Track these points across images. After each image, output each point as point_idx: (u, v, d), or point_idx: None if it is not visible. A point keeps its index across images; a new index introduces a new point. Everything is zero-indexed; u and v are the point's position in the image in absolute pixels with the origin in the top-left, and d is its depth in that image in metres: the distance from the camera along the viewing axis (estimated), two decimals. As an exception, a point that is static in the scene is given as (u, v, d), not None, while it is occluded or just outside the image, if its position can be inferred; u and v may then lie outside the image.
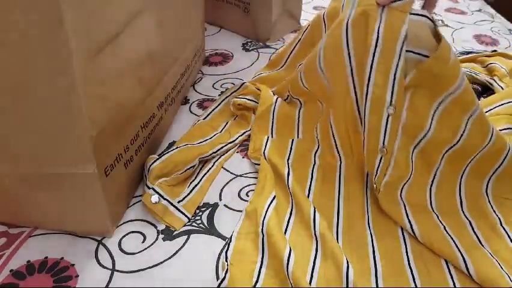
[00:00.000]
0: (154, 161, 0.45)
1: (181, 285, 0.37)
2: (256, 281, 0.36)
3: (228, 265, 0.37)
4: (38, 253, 0.39)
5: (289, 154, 0.50)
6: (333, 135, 0.50)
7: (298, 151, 0.50)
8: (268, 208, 0.41)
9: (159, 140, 0.52)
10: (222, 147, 0.51)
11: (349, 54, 0.44)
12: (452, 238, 0.39)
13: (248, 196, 0.46)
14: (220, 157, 0.51)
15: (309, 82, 0.53)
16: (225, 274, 0.36)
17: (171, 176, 0.45)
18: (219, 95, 0.63)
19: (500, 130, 0.47)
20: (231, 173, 0.49)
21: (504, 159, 0.44)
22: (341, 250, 0.37)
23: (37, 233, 0.41)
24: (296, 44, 0.60)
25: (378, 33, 0.40)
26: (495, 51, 0.69)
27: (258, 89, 0.58)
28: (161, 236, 0.41)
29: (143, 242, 0.40)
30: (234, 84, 0.65)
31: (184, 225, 0.42)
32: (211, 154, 0.49)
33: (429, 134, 0.43)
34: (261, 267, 0.37)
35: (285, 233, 0.41)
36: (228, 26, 0.84)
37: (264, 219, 0.40)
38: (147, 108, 0.46)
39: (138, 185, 0.46)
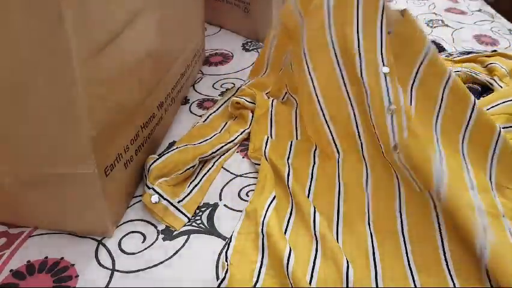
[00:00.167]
0: (154, 161, 0.45)
1: (181, 285, 0.37)
2: (256, 281, 0.36)
3: (228, 265, 0.37)
4: (38, 253, 0.39)
5: (289, 154, 0.50)
6: (331, 132, 0.50)
7: (298, 151, 0.50)
8: (268, 208, 0.41)
9: (159, 140, 0.52)
10: (221, 147, 0.51)
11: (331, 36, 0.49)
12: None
13: (248, 196, 0.46)
14: (220, 157, 0.51)
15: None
16: (225, 274, 0.36)
17: (171, 176, 0.45)
18: (219, 95, 0.63)
19: (502, 128, 0.47)
20: (231, 173, 0.49)
21: (496, 144, 0.45)
22: (341, 250, 0.37)
23: (37, 233, 0.41)
24: (271, 49, 0.62)
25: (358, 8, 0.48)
26: (495, 51, 0.69)
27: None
28: (161, 236, 0.41)
29: (143, 242, 0.40)
30: (234, 84, 0.65)
31: (184, 225, 0.42)
32: (211, 154, 0.49)
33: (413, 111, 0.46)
34: (261, 267, 0.37)
35: (285, 233, 0.41)
36: (228, 26, 0.84)
37: (264, 219, 0.40)
38: (147, 108, 0.46)
39: (138, 185, 0.46)
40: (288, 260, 0.36)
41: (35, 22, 0.28)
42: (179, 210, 0.43)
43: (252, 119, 0.55)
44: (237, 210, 0.44)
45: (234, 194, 0.46)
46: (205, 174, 0.48)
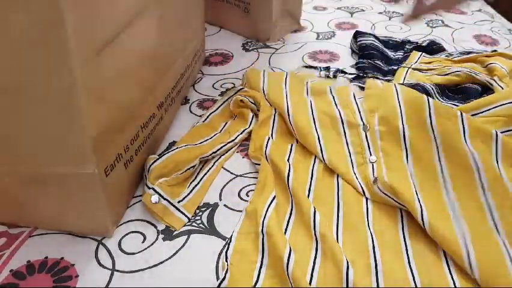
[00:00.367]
0: (154, 161, 0.45)
1: (181, 285, 0.37)
2: (256, 281, 0.36)
3: (228, 265, 0.37)
4: (38, 253, 0.39)
5: (290, 154, 0.50)
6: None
7: (299, 151, 0.50)
8: (268, 208, 0.41)
9: (159, 140, 0.52)
10: (222, 147, 0.51)
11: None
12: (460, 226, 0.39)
13: (248, 196, 0.46)
14: (220, 157, 0.51)
15: None
16: (225, 274, 0.36)
17: (171, 176, 0.45)
18: (219, 95, 0.63)
19: (501, 133, 0.47)
20: (231, 173, 0.49)
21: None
22: (341, 250, 0.37)
23: (37, 233, 0.41)
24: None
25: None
26: (495, 51, 0.69)
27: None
28: (161, 236, 0.41)
29: (143, 242, 0.40)
30: (234, 84, 0.65)
31: (184, 225, 0.42)
32: (211, 154, 0.49)
33: None
34: (261, 267, 0.37)
35: (285, 233, 0.41)
36: (228, 26, 0.85)
37: (264, 219, 0.40)
38: (147, 108, 0.46)
39: (138, 185, 0.46)
40: (288, 260, 0.36)
41: (34, 22, 0.28)
42: (179, 210, 0.43)
43: (252, 119, 0.55)
44: (237, 210, 0.44)
45: (234, 194, 0.46)
46: (205, 174, 0.48)
